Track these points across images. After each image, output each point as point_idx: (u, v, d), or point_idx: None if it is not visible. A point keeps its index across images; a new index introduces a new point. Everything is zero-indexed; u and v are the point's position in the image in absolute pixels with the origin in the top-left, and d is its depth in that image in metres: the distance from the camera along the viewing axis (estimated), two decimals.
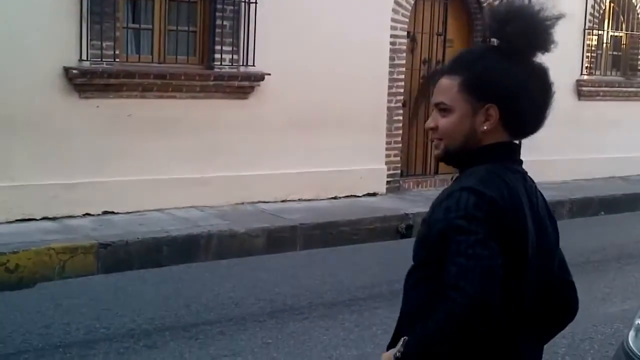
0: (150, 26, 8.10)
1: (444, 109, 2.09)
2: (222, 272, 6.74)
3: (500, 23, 2.06)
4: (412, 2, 9.75)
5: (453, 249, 1.91)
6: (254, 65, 8.42)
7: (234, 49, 8.38)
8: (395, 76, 9.68)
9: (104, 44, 7.55)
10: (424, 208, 8.69)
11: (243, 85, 8.44)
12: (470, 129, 2.06)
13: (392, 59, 9.62)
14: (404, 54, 9.79)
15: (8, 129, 7.05)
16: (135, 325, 5.43)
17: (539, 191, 2.17)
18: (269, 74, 8.42)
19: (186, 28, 8.31)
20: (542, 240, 2.09)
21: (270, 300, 6.10)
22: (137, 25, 8.13)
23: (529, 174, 2.16)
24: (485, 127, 2.05)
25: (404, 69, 9.80)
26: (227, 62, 8.36)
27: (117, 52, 7.70)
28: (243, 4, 8.33)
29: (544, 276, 2.11)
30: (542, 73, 2.09)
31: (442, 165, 10.31)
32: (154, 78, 7.90)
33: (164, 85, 7.98)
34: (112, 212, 7.66)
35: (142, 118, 7.84)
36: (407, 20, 9.74)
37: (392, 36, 9.58)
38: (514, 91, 2.04)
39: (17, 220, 7.04)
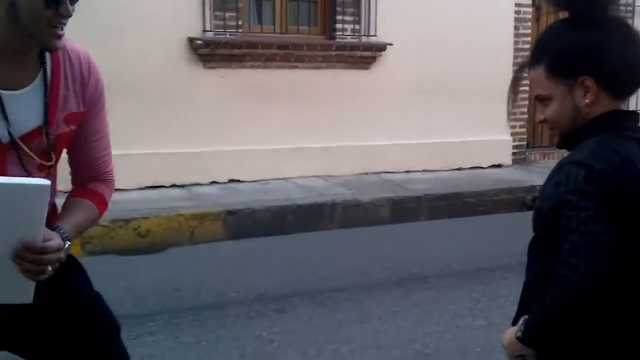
0: None
1: (543, 99, 2.04)
2: (347, 241, 6.71)
3: None
4: None
5: (565, 225, 1.85)
6: (375, 36, 8.33)
7: (356, 19, 8.32)
8: (520, 46, 9.42)
9: (226, 15, 7.61)
10: None
11: (365, 55, 8.37)
12: (574, 108, 1.99)
13: (516, 28, 9.39)
14: (529, 23, 9.52)
15: (138, 99, 7.18)
16: (264, 290, 5.46)
17: None
18: (391, 44, 8.32)
19: None
20: None
21: (396, 268, 6.03)
22: None
23: None
24: (587, 100, 1.97)
25: (529, 39, 9.50)
26: (348, 32, 8.30)
27: (239, 22, 7.76)
28: None
29: None
30: (622, 27, 1.99)
31: None
32: (276, 48, 7.92)
33: (286, 55, 7.98)
34: (238, 180, 7.75)
35: (265, 88, 7.88)
36: None
37: (516, 5, 9.35)
38: (597, 55, 1.95)
39: (147, 187, 7.19)
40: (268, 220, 6.86)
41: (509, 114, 1.87)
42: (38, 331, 2.28)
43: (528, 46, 9.46)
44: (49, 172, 2.21)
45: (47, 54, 2.12)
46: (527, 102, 9.52)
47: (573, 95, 1.98)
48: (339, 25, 8.28)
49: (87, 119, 2.22)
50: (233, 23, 7.69)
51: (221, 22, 7.62)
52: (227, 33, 7.68)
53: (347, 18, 8.30)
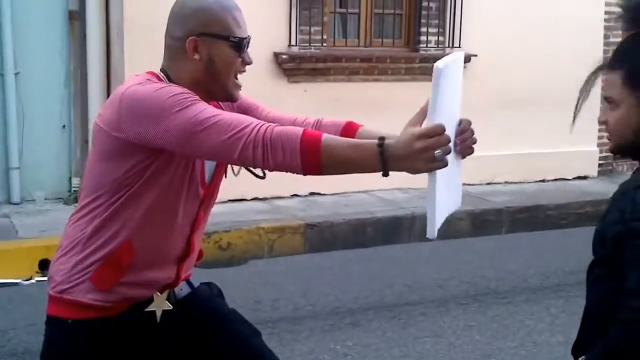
0: (357, 10, 8.19)
1: (612, 102, 2.05)
2: (425, 254, 6.73)
3: (633, 11, 2.04)
4: None
5: (632, 254, 1.84)
6: (459, 47, 8.32)
7: (440, 30, 8.32)
8: (610, 55, 9.24)
9: (312, 29, 7.73)
10: None
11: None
12: (639, 122, 2.00)
13: (606, 36, 9.21)
14: (620, 32, 9.31)
15: None
16: (340, 303, 5.55)
17: None
18: (475, 55, 8.29)
19: (392, 11, 8.34)
20: None
21: (474, 283, 6.04)
22: (344, 10, 8.26)
23: None
24: None
25: None
26: (432, 44, 8.32)
27: (324, 36, 7.87)
28: None
29: None
30: None
31: None
32: (360, 62, 8.00)
33: (369, 68, 8.06)
34: (318, 194, 7.86)
35: (348, 101, 7.95)
36: None
37: (606, 12, 9.15)
38: None
39: (229, 200, 7.37)
40: (347, 234, 6.94)
41: (576, 116, 1.90)
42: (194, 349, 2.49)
43: None
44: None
45: None
46: None
47: (639, 108, 2.00)
48: (423, 37, 8.30)
49: None
50: (318, 37, 7.81)
51: (306, 37, 7.74)
52: (312, 47, 7.80)
53: (431, 30, 8.31)
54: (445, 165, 1.94)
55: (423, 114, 1.99)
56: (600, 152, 9.27)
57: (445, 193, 2.10)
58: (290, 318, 5.29)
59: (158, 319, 2.37)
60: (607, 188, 8.58)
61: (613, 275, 1.94)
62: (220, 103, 2.43)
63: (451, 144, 1.97)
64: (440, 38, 8.31)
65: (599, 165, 9.26)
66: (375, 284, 5.96)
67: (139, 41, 7.00)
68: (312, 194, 7.83)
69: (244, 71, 2.38)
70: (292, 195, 7.76)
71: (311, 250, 6.80)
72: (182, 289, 2.48)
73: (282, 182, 7.64)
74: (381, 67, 8.10)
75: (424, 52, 8.27)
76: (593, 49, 9.03)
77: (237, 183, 7.84)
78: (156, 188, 2.23)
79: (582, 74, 7.98)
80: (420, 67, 8.19)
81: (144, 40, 6.89)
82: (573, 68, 8.75)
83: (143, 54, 7.04)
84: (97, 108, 7.45)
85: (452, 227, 7.28)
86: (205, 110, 2.10)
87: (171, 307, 2.39)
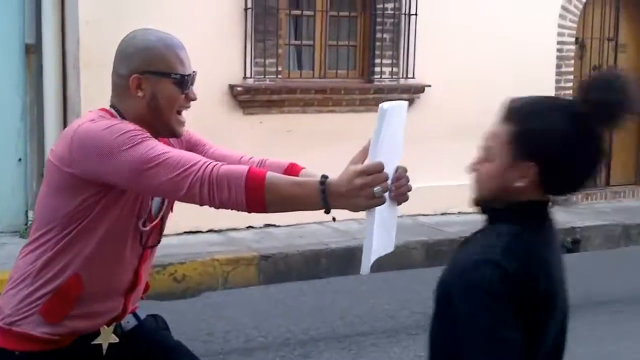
0: (312, 42, 8.29)
1: (487, 154, 2.04)
2: (378, 285, 6.77)
3: (589, 84, 1.96)
4: (581, 6, 9.45)
5: (467, 324, 1.89)
6: (414, 78, 8.44)
7: (394, 61, 8.44)
8: (562, 84, 9.42)
9: (267, 61, 7.80)
10: (593, 221, 8.55)
11: (403, 97, 8.45)
12: (505, 182, 1.98)
13: (559, 66, 9.38)
14: (572, 61, 9.51)
15: None
16: (292, 335, 5.58)
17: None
18: (429, 86, 8.42)
19: (346, 43, 8.44)
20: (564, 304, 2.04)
21: (425, 313, 6.00)
22: (298, 42, 8.35)
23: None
24: (519, 184, 1.96)
25: (572, 77, 9.51)
26: (387, 75, 8.43)
27: (279, 68, 7.94)
28: (403, 16, 8.37)
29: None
30: (600, 141, 1.95)
31: (614, 175, 10.03)
32: (314, 93, 8.08)
33: (324, 99, 8.14)
34: (273, 225, 7.89)
35: (302, 132, 8.03)
36: (575, 25, 9.46)
37: (559, 42, 9.34)
38: (562, 157, 1.93)
39: (184, 232, 7.39)
40: (301, 265, 6.97)
41: None
42: None
43: (570, 84, 9.47)
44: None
45: None
46: None
47: (512, 171, 1.96)
48: (377, 69, 8.41)
49: None
50: (273, 69, 7.88)
51: (261, 69, 7.81)
52: (267, 79, 7.87)
53: (385, 61, 8.42)
54: (384, 202, 2.01)
55: (365, 152, 2.07)
56: None
57: (382, 232, 2.14)
58: (241, 350, 5.30)
59: (104, 352, 2.41)
60: (562, 217, 8.71)
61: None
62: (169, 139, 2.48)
63: (389, 182, 2.04)
64: (394, 69, 8.42)
65: None
66: (327, 315, 5.99)
67: (95, 74, 7.01)
68: (266, 225, 7.85)
69: (188, 107, 2.44)
70: (247, 227, 7.78)
71: (265, 282, 6.82)
72: (128, 322, 2.53)
73: (237, 214, 7.68)
74: (335, 99, 8.18)
75: (378, 83, 8.37)
76: (546, 78, 9.22)
77: (192, 215, 7.85)
78: (106, 222, 2.27)
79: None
80: (375, 98, 8.28)
81: (100, 74, 6.83)
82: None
83: (99, 87, 7.03)
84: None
85: (406, 258, 7.35)
86: (154, 148, 2.15)
87: (117, 340, 2.43)
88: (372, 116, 7.89)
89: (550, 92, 9.23)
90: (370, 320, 5.94)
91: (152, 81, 2.33)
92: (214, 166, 2.09)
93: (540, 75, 9.13)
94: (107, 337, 2.41)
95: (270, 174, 2.10)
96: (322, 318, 5.93)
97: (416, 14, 8.34)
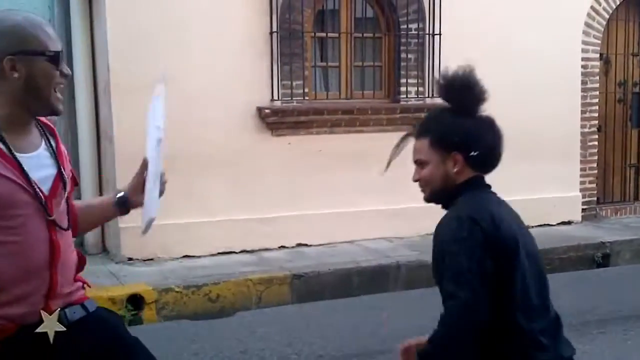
0: (338, 63, 8.39)
1: (421, 163, 2.68)
2: (410, 302, 6.80)
3: (446, 88, 2.68)
4: (604, 22, 9.49)
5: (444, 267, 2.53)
6: (439, 97, 8.48)
7: (419, 81, 8.51)
8: (588, 100, 9.45)
9: (294, 84, 7.91)
10: (622, 236, 8.53)
11: None
12: (445, 173, 2.65)
13: (584, 82, 9.41)
14: (597, 77, 9.54)
15: (208, 167, 7.50)
16: (325, 352, 5.61)
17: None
18: None
19: (372, 63, 8.54)
20: (528, 242, 2.63)
21: None
22: (324, 64, 8.45)
23: None
24: (455, 169, 2.64)
25: (597, 93, 9.55)
26: (412, 95, 8.50)
27: (306, 90, 8.04)
28: (427, 36, 8.46)
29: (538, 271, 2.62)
30: (489, 121, 2.70)
31: None
32: (341, 114, 8.17)
33: (351, 120, 8.22)
34: (305, 245, 7.96)
35: (331, 153, 8.11)
36: (599, 41, 9.50)
37: (583, 59, 9.38)
38: (468, 139, 2.62)
39: (218, 253, 7.46)
40: (333, 283, 7.02)
41: (386, 168, 2.50)
42: None
43: (597, 100, 9.49)
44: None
45: (39, 125, 2.50)
46: (596, 158, 9.51)
47: (446, 164, 2.64)
48: (403, 88, 8.48)
49: None
50: (300, 91, 7.99)
51: (288, 91, 7.91)
52: (295, 101, 7.97)
53: (410, 80, 8.49)
54: None
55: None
56: (584, 197, 9.40)
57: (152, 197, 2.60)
58: None
59: (51, 340, 2.36)
60: (591, 232, 8.75)
61: None
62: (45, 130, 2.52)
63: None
64: (420, 88, 8.49)
65: (583, 210, 9.38)
66: (360, 333, 6.02)
67: (125, 99, 7.16)
68: (298, 245, 7.93)
69: (63, 84, 2.41)
70: (279, 247, 7.86)
71: (298, 300, 6.88)
72: (75, 312, 2.47)
73: (270, 235, 7.80)
74: (363, 119, 8.26)
75: (404, 103, 8.44)
76: (571, 95, 9.25)
77: (224, 236, 7.94)
78: None
79: (563, 120, 8.22)
80: (401, 118, 8.35)
81: (130, 98, 7.06)
82: (554, 115, 9.00)
83: (130, 111, 7.22)
84: (88, 166, 7.61)
85: None
86: None
87: (64, 328, 2.39)
88: (399, 135, 7.97)
89: (576, 107, 9.27)
90: (404, 336, 5.92)
91: (26, 61, 2.29)
92: None
93: (566, 92, 9.17)
94: (51, 325, 2.36)
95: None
96: (354, 335, 5.96)
97: (440, 34, 8.42)
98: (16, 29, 2.30)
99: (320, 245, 7.94)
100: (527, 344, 2.51)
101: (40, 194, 2.36)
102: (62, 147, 2.56)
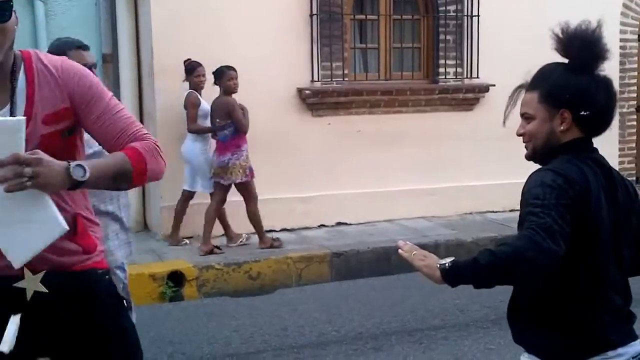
0: (376, 45, 8.48)
1: (528, 118, 2.53)
2: None
3: (565, 43, 2.51)
4: None
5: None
6: (478, 77, 8.56)
7: (458, 62, 8.57)
8: (626, 81, 9.44)
9: (333, 65, 8.02)
10: None
11: (468, 97, 8.61)
12: (551, 130, 2.50)
13: (622, 63, 9.38)
14: (635, 58, 9.51)
15: (250, 147, 7.64)
16: (364, 329, 5.76)
17: (620, 176, 2.60)
18: (494, 85, 8.51)
19: (411, 45, 8.62)
20: (617, 213, 2.47)
21: (494, 307, 6.17)
22: (363, 45, 8.55)
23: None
24: (562, 128, 2.48)
25: (635, 73, 9.52)
26: (451, 76, 8.57)
27: (345, 71, 8.15)
28: (466, 18, 8.51)
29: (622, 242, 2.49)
30: (606, 82, 2.51)
31: None
32: (380, 95, 8.27)
33: (390, 101, 8.32)
34: (345, 224, 8.11)
35: (370, 133, 8.23)
36: (638, 22, 9.46)
37: (621, 40, 9.33)
38: (580, 98, 2.45)
39: None
40: (372, 262, 7.16)
41: (505, 119, 2.43)
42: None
43: (635, 81, 9.47)
44: None
45: (22, 69, 2.42)
46: (635, 138, 9.50)
47: (553, 121, 2.49)
48: (441, 69, 8.56)
49: (84, 107, 2.42)
50: (339, 72, 8.09)
51: (328, 72, 8.04)
52: (334, 82, 8.09)
53: (449, 62, 8.56)
54: None
55: None
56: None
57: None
58: (315, 344, 5.50)
59: (28, 298, 2.37)
60: None
61: None
62: None
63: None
64: (459, 69, 8.56)
65: None
66: (398, 310, 6.16)
67: (168, 82, 7.33)
68: (338, 223, 8.08)
69: None
70: (319, 226, 8.02)
71: (337, 278, 7.03)
72: (71, 280, 2.45)
73: (310, 213, 7.95)
74: (402, 100, 8.36)
75: (443, 84, 8.52)
76: (610, 75, 9.21)
77: (265, 215, 8.06)
78: None
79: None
80: (440, 98, 8.45)
81: (173, 81, 7.23)
82: None
83: (173, 93, 7.39)
84: None
85: (475, 254, 7.45)
86: None
87: (46, 290, 2.38)
88: (438, 116, 8.10)
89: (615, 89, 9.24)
90: (441, 314, 6.08)
91: None
92: None
93: (605, 72, 9.14)
94: (32, 285, 2.37)
95: None
96: (393, 313, 6.09)
97: (478, 15, 8.46)
98: None
99: (359, 224, 8.09)
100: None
101: None
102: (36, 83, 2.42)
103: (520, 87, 2.62)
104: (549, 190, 2.30)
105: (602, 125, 2.53)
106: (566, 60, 2.53)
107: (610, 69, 8.38)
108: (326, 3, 7.96)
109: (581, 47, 2.48)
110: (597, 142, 2.61)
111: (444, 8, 8.46)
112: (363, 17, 8.49)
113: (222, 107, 7.16)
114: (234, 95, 7.21)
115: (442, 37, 8.51)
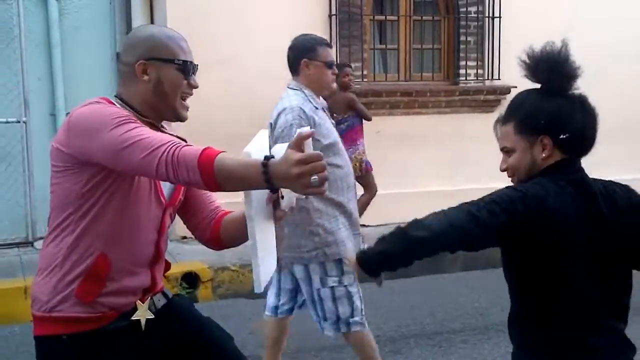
0: (396, 46, 8.42)
1: (508, 151, 2.48)
2: (468, 283, 6.85)
3: (533, 67, 2.45)
4: None
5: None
6: (499, 79, 8.47)
7: (479, 63, 8.50)
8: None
9: (352, 65, 7.95)
10: None
11: (489, 99, 8.52)
12: (532, 160, 2.43)
13: None
14: None
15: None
16: (382, 332, 5.69)
17: (616, 190, 2.49)
18: (515, 87, 8.39)
19: (431, 46, 8.54)
20: (600, 231, 2.38)
21: None
22: (383, 46, 8.49)
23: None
24: (544, 155, 2.41)
25: None
26: (472, 77, 8.49)
27: (365, 72, 8.09)
28: (487, 19, 8.43)
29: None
30: (581, 100, 2.43)
31: None
32: (400, 96, 8.21)
33: (410, 102, 8.26)
34: (364, 225, 8.01)
35: (390, 134, 8.16)
36: None
37: None
38: (556, 121, 2.39)
39: None
40: None
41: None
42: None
43: None
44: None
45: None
46: None
47: (533, 149, 2.42)
48: (462, 71, 8.49)
49: None
50: (359, 73, 8.04)
51: None
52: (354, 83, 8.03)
53: (470, 63, 8.49)
54: (323, 192, 2.05)
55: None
56: None
57: (265, 248, 2.32)
58: (333, 346, 5.42)
59: (143, 327, 2.55)
60: None
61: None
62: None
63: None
64: (480, 71, 8.48)
65: None
66: (417, 313, 6.09)
67: None
68: None
69: (191, 94, 2.58)
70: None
71: (359, 281, 6.93)
72: (159, 300, 2.68)
73: None
74: (422, 101, 8.29)
75: (463, 85, 8.44)
76: (636, 77, 9.10)
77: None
78: (118, 198, 2.40)
79: (621, 100, 7.97)
80: (461, 100, 8.37)
81: None
82: (616, 99, 8.86)
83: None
84: None
85: (494, 256, 7.36)
86: (134, 129, 2.26)
87: (153, 315, 2.58)
88: (458, 117, 7.97)
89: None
90: (461, 317, 6.01)
91: (157, 66, 2.48)
92: (177, 148, 2.18)
93: (629, 75, 9.04)
94: (144, 313, 2.55)
95: (221, 155, 2.13)
96: (412, 316, 6.03)
97: (500, 17, 8.39)
98: (152, 38, 2.52)
99: (378, 225, 7.99)
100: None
101: (162, 199, 2.57)
102: None
103: (497, 121, 2.56)
104: (499, 195, 2.35)
105: (584, 145, 2.45)
106: (538, 86, 2.47)
107: (635, 71, 8.15)
108: (345, 3, 7.91)
109: (549, 69, 2.42)
110: (627, 146, 2.53)
111: (465, 9, 8.40)
112: (383, 17, 8.44)
113: (342, 103, 7.42)
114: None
115: (462, 38, 8.45)
